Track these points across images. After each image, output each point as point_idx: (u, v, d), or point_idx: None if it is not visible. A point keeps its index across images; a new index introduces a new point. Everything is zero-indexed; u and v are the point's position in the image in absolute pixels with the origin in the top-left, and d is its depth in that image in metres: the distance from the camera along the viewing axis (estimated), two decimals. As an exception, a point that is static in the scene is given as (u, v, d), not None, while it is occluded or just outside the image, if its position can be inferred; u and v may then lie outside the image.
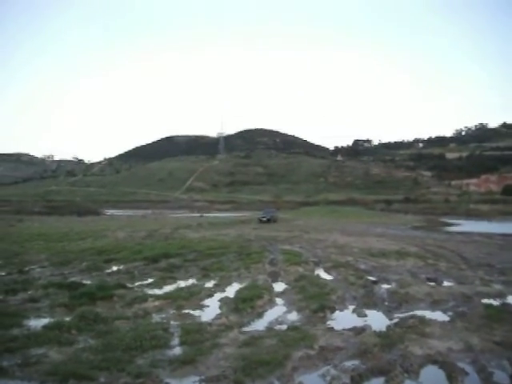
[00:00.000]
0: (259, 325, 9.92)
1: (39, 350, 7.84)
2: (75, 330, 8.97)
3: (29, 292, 12.59)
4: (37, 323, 9.54)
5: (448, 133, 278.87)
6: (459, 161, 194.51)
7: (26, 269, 16.79)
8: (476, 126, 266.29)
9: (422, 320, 9.86)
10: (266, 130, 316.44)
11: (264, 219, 53.72)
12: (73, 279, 14.61)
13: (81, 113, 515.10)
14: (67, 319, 9.68)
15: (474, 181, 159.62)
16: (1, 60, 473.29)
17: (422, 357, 7.72)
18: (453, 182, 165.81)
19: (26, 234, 32.79)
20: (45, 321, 9.69)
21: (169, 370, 7.12)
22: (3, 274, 15.97)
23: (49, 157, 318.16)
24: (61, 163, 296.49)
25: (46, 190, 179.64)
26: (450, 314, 10.94)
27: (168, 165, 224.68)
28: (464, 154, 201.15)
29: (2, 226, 45.13)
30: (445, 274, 16.65)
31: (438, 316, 10.70)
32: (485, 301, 12.06)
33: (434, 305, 11.98)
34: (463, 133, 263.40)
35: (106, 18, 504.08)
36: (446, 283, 14.95)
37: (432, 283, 14.79)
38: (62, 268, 17.23)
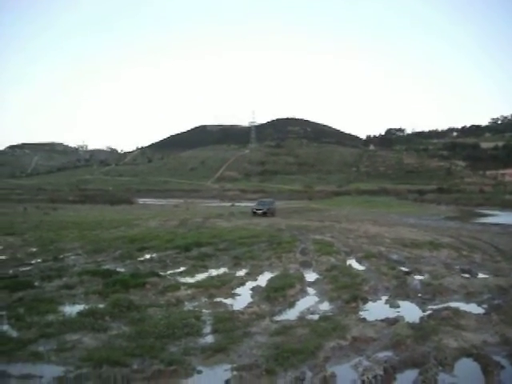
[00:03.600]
0: (291, 314, 9.90)
1: (74, 336, 7.96)
2: (109, 317, 9.09)
3: (64, 279, 12.78)
4: (72, 310, 9.69)
5: (483, 122, 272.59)
6: (494, 150, 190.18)
7: (61, 256, 17.07)
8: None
9: (457, 312, 9.70)
10: (297, 119, 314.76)
11: (259, 212, 47.14)
12: (106, 267, 14.80)
13: (114, 102, 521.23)
14: (101, 306, 9.82)
15: (509, 171, 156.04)
16: (37, 50, 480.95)
17: (457, 349, 7.59)
18: (487, 172, 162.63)
19: (61, 223, 33.36)
20: (79, 307, 9.84)
21: (201, 358, 7.15)
22: (39, 261, 16.26)
23: (82, 146, 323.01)
24: (94, 152, 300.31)
25: (79, 179, 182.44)
26: (485, 306, 10.74)
27: (200, 154, 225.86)
28: (500, 144, 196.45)
29: (38, 214, 46.01)
30: (479, 266, 16.37)
31: (473, 308, 10.53)
32: (521, 293, 11.82)
33: (469, 297, 11.77)
34: (499, 122, 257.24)
35: (139, 10, 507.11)
36: (480, 275, 14.69)
37: (466, 275, 14.56)
38: (96, 256, 17.47)
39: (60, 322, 8.65)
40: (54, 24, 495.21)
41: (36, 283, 12.16)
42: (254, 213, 47.33)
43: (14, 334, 8.10)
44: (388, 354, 7.44)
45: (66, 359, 6.98)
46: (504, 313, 9.79)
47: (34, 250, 18.94)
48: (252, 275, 14.17)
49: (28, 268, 14.67)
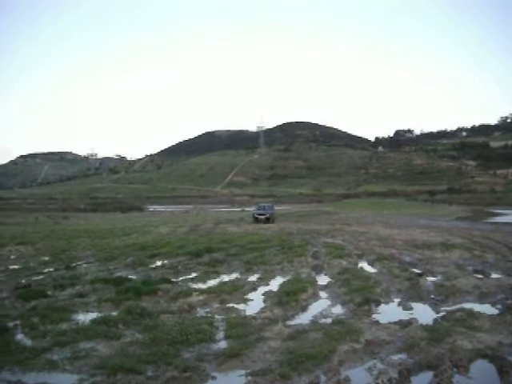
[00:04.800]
0: (304, 318, 9.88)
1: (88, 344, 7.99)
2: (122, 325, 9.12)
3: (76, 287, 12.83)
4: (85, 318, 9.73)
5: (492, 121, 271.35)
6: (505, 149, 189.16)
7: (73, 265, 17.14)
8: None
9: (470, 313, 9.65)
10: (305, 123, 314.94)
11: (262, 217, 42.60)
12: (118, 274, 14.85)
13: (123, 110, 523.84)
14: (114, 314, 9.84)
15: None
16: (46, 59, 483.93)
17: (472, 351, 7.54)
18: (498, 172, 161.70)
19: (72, 231, 33.48)
20: (92, 315, 9.88)
21: (215, 364, 7.15)
22: (51, 269, 16.33)
23: (92, 154, 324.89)
24: (104, 160, 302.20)
25: (89, 188, 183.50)
26: (499, 306, 10.67)
27: (209, 160, 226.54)
28: (510, 142, 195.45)
29: (49, 223, 46.22)
30: (492, 266, 16.28)
31: (487, 309, 10.46)
32: (535, 293, 11.73)
33: (482, 297, 11.71)
34: (509, 120, 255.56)
35: (150, 12, 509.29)
36: (493, 275, 14.61)
37: (479, 275, 14.47)
38: (108, 263, 17.53)
39: (74, 330, 8.68)
40: (60, 32, 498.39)
41: (49, 292, 12.21)
42: (256, 218, 42.87)
43: (29, 342, 8.13)
44: (402, 356, 7.41)
45: (81, 367, 7.01)
46: (518, 313, 9.72)
47: (47, 258, 19.03)
48: (264, 280, 14.16)
49: (41, 277, 14.73)
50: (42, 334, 8.48)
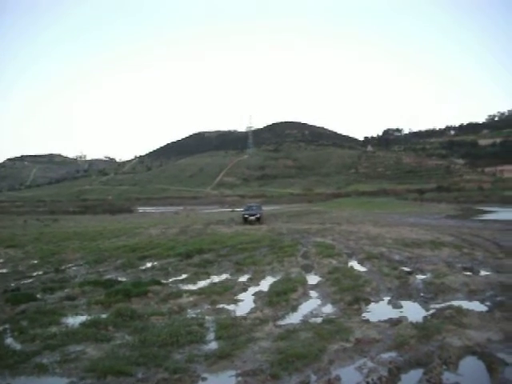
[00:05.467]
0: (294, 318, 9.88)
1: (77, 347, 7.95)
2: (112, 327, 9.08)
3: (66, 290, 12.79)
4: (74, 321, 9.69)
5: (481, 119, 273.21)
6: (493, 147, 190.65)
7: (62, 267, 17.08)
8: (509, 110, 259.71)
9: (460, 310, 9.68)
10: (294, 123, 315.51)
11: (252, 218, 42.20)
12: (108, 277, 14.80)
13: (111, 112, 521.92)
14: (104, 316, 9.81)
15: (508, 167, 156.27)
16: (32, 61, 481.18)
17: (461, 348, 7.58)
18: (486, 169, 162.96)
19: (61, 234, 33.32)
20: (82, 318, 9.84)
21: (205, 365, 7.14)
22: (40, 273, 16.26)
23: (81, 156, 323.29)
24: (92, 162, 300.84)
25: (79, 190, 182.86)
26: (488, 303, 10.73)
27: (198, 161, 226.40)
28: (498, 140, 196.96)
29: (38, 226, 45.97)
30: (481, 263, 16.36)
31: (476, 306, 10.51)
32: (524, 289, 11.81)
33: (471, 295, 11.76)
34: (496, 118, 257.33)
35: (135, 15, 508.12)
36: (482, 272, 14.68)
37: (468, 273, 14.55)
38: (98, 266, 17.47)
39: (63, 333, 8.63)
40: (46, 33, 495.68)
41: (38, 295, 12.16)
42: (245, 219, 42.33)
43: (18, 346, 8.09)
44: (392, 354, 7.44)
45: (70, 370, 6.97)
46: (507, 310, 9.78)
47: (36, 262, 18.93)
48: (254, 280, 14.17)
49: (30, 280, 14.67)
50: (32, 337, 8.43)
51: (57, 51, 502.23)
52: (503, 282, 12.64)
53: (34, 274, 16.11)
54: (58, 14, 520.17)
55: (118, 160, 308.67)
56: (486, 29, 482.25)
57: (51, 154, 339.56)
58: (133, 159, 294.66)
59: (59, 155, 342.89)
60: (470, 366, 7.05)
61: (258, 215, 42.66)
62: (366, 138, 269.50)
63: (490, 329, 8.58)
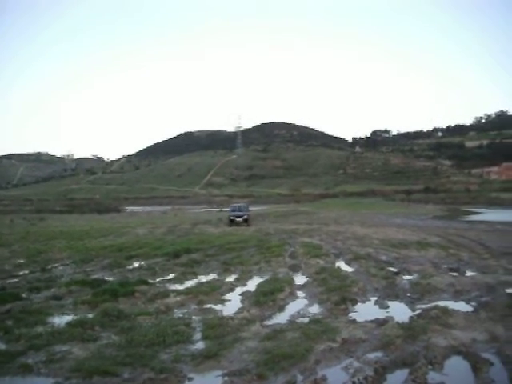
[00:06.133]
0: (281, 318, 9.89)
1: (63, 347, 7.89)
2: (98, 327, 9.03)
3: (52, 290, 12.71)
4: (60, 320, 9.62)
5: (467, 121, 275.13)
6: (479, 149, 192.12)
7: (49, 267, 16.97)
8: (496, 113, 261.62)
9: (445, 311, 9.74)
10: (282, 123, 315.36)
11: (239, 220, 39.52)
12: (95, 276, 14.73)
13: (99, 110, 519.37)
14: (90, 316, 9.77)
15: (494, 169, 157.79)
16: (17, 60, 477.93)
17: (446, 348, 7.63)
18: (473, 171, 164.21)
19: (48, 233, 33.13)
20: (68, 318, 9.77)
21: (192, 365, 7.12)
22: (27, 272, 16.15)
23: (68, 155, 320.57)
24: (80, 161, 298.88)
25: (66, 189, 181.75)
26: (474, 304, 10.80)
27: (187, 160, 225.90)
28: (484, 142, 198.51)
29: (25, 225, 45.66)
30: (467, 264, 16.49)
31: (461, 306, 10.58)
32: (509, 290, 11.90)
33: (457, 295, 11.84)
34: (483, 120, 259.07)
35: (123, 15, 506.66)
36: (468, 273, 14.79)
37: (454, 273, 14.66)
38: (84, 265, 17.39)
39: (49, 333, 8.57)
40: (33, 31, 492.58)
41: (24, 295, 12.05)
42: (232, 221, 39.42)
43: (3, 346, 8.02)
44: (378, 354, 7.46)
45: (56, 371, 6.91)
46: (492, 310, 9.86)
47: (22, 261, 18.79)
48: (241, 280, 14.18)
49: (15, 280, 14.56)
50: (17, 337, 8.36)
51: (44, 50, 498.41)
52: (488, 283, 12.73)
53: (20, 273, 15.99)
54: (48, 14, 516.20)
55: (105, 159, 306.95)
56: (471, 32, 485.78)
57: (39, 153, 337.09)
58: (121, 158, 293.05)
59: (47, 154, 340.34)
60: (455, 365, 7.09)
61: (246, 216, 39.95)
62: (354, 138, 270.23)
63: (475, 329, 8.64)
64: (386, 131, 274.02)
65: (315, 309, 10.64)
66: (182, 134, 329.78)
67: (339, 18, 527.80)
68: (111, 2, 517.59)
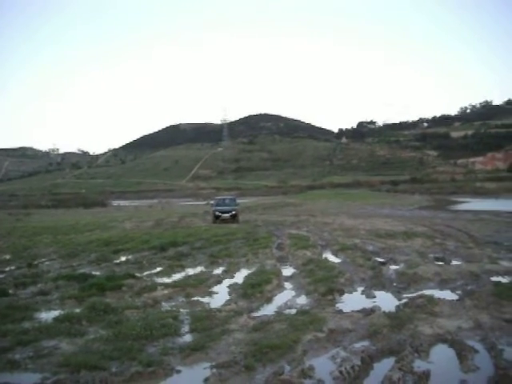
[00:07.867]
0: (268, 309, 9.93)
1: (50, 342, 7.87)
2: (86, 321, 9.00)
3: (38, 285, 12.64)
4: (47, 316, 9.58)
5: (453, 111, 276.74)
6: (464, 139, 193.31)
7: (35, 262, 16.86)
8: (481, 103, 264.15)
9: (431, 299, 9.83)
10: (269, 115, 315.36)
11: (226, 215, 33.64)
12: (82, 271, 14.64)
13: (84, 104, 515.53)
14: (77, 311, 9.73)
15: (479, 159, 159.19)
16: (3, 55, 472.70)
17: (432, 336, 7.71)
18: (459, 161, 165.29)
19: (34, 228, 32.93)
20: (55, 313, 9.73)
21: (179, 358, 7.13)
22: (12, 268, 16.05)
23: (53, 150, 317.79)
24: (65, 156, 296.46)
25: (51, 184, 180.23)
26: (459, 292, 10.91)
27: (173, 153, 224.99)
28: (469, 132, 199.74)
29: (10, 220, 45.34)
30: (453, 253, 16.62)
31: (447, 295, 10.67)
32: (493, 278, 12.03)
33: (443, 284, 11.95)
34: (468, 111, 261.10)
35: (108, 10, 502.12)
36: (454, 262, 14.91)
37: (440, 263, 14.78)
38: (71, 260, 17.31)
39: (36, 328, 8.53)
40: (18, 25, 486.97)
41: (10, 291, 11.98)
42: (217, 217, 33.64)
43: (-11, 343, 7.98)
44: (365, 343, 7.52)
45: (43, 366, 6.89)
46: (477, 298, 9.96)
47: (8, 257, 18.69)
48: (229, 273, 14.19)
49: (1, 276, 14.47)
50: (3, 333, 8.30)
51: (26, 46, 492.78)
52: (473, 271, 12.85)
53: (6, 269, 15.88)
54: (28, 11, 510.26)
55: (91, 153, 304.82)
56: (457, 23, 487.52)
57: (23, 148, 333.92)
58: (107, 152, 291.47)
59: (31, 148, 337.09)
60: (441, 353, 7.17)
61: (234, 212, 33.94)
62: (340, 130, 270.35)
63: (460, 317, 8.74)
64: (372, 122, 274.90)
65: (302, 300, 10.67)
66: (168, 127, 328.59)
67: (323, 10, 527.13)
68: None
